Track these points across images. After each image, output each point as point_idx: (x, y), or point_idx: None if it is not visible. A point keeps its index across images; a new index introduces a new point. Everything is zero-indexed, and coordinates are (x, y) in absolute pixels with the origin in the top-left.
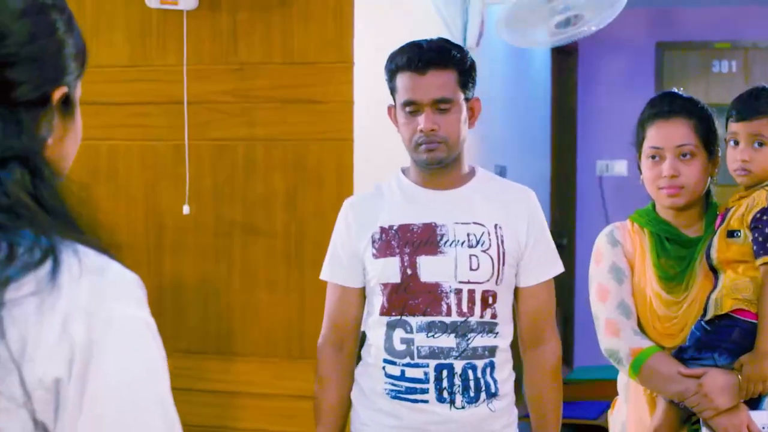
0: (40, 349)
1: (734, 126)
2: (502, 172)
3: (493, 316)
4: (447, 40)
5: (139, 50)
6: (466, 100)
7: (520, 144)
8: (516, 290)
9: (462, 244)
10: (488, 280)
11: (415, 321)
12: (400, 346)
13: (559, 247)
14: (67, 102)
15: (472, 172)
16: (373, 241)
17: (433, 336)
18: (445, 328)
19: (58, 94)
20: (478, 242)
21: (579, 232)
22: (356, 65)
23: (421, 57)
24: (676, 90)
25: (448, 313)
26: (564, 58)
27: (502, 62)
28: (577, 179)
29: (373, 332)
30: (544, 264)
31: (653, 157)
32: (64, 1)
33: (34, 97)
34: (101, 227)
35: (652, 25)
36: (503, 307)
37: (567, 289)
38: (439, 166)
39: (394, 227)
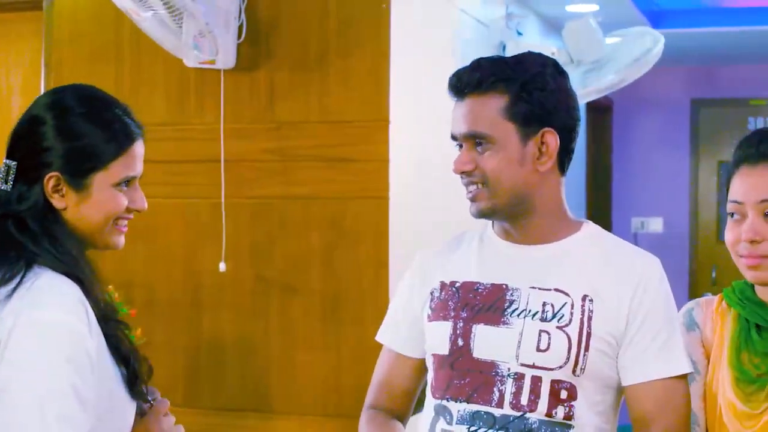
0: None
1: None
2: None
3: (568, 417)
4: (522, 56)
5: (176, 109)
6: (527, 133)
7: None
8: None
9: (533, 315)
10: (560, 367)
11: (456, 408)
12: None
13: None
14: (71, 182)
15: (575, 227)
16: (431, 299)
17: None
18: (491, 423)
19: (47, 179)
20: (554, 315)
21: None
22: (392, 124)
23: (460, 77)
24: None
25: (499, 404)
26: (599, 115)
27: None
28: None
29: (423, 418)
30: (656, 357)
31: (732, 214)
32: (59, 115)
33: (26, 180)
34: (79, 259)
35: (687, 83)
36: (590, 407)
37: None
38: (492, 217)
39: (457, 284)
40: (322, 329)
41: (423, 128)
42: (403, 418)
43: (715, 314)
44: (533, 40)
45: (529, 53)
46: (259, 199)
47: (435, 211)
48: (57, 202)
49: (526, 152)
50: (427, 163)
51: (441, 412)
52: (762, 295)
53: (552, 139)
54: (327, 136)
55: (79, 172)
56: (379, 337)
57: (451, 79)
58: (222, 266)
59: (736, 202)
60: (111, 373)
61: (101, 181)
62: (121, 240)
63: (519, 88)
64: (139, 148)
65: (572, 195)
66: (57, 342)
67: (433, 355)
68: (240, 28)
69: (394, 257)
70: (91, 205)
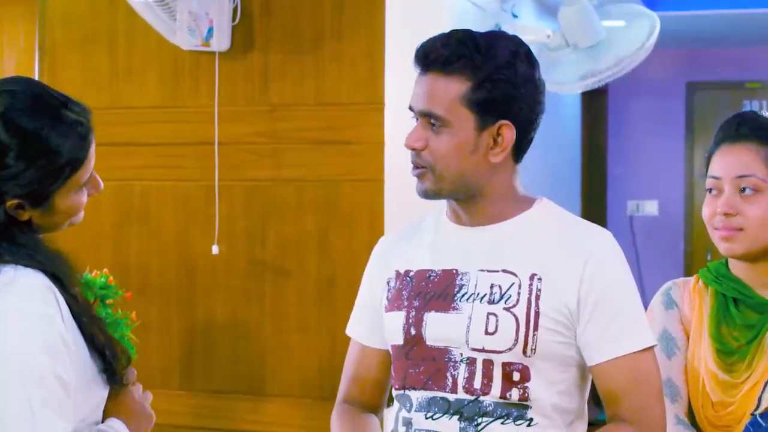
0: None
1: None
2: None
3: (524, 398)
4: (494, 39)
5: (171, 91)
6: (484, 122)
7: (550, 185)
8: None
9: (482, 298)
10: (510, 349)
11: (415, 396)
12: (401, 429)
13: None
14: (33, 206)
15: (527, 205)
16: (388, 289)
17: (432, 417)
18: (446, 408)
19: (9, 205)
20: (501, 297)
21: None
22: (387, 106)
23: (427, 52)
24: (757, 111)
25: (453, 389)
26: (594, 98)
27: None
28: (607, 219)
29: (392, 410)
30: (617, 334)
31: (710, 190)
32: (20, 141)
33: None
34: (54, 258)
35: (682, 65)
36: (547, 387)
37: None
38: (437, 198)
39: (411, 273)
40: (316, 312)
41: None
42: (377, 411)
43: (692, 293)
44: (529, 23)
45: (503, 36)
46: (253, 182)
47: None
48: (21, 216)
49: (479, 141)
50: None
51: (402, 401)
52: (736, 272)
53: (508, 133)
54: (321, 119)
55: (40, 198)
56: (348, 330)
57: (417, 50)
58: (215, 249)
59: (714, 177)
60: (86, 360)
61: (63, 194)
62: (81, 216)
63: (484, 77)
64: (93, 147)
65: (567, 179)
66: (32, 329)
67: (392, 346)
68: (234, 10)
69: None
70: (56, 213)
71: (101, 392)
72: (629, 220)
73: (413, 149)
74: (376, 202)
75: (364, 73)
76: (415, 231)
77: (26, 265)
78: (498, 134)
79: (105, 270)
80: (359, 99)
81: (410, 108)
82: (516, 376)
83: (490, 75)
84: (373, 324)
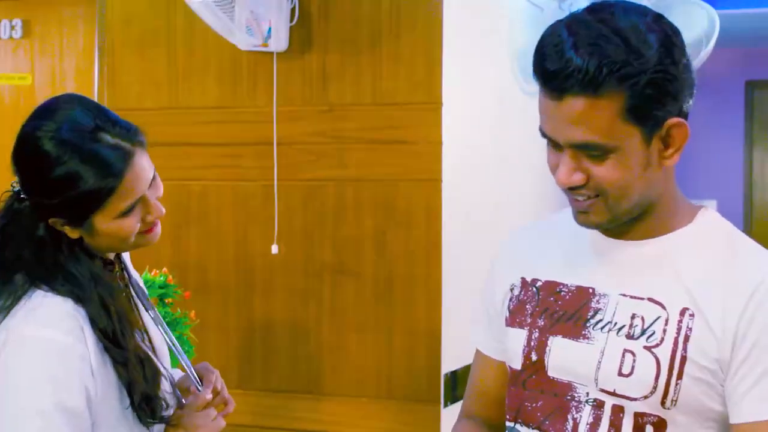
0: None
1: None
2: None
3: None
4: (626, 32)
5: (229, 92)
6: (651, 131)
7: None
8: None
9: (619, 330)
10: (646, 397)
11: None
12: None
13: None
14: (72, 225)
15: (688, 218)
16: (510, 298)
17: None
18: None
19: (52, 222)
20: (643, 332)
21: None
22: (445, 106)
23: (557, 71)
24: None
25: None
26: None
27: None
28: None
29: None
30: (767, 391)
31: None
32: (50, 159)
33: (38, 223)
34: (87, 287)
35: (742, 64)
36: None
37: None
38: (606, 227)
39: (538, 283)
40: (373, 312)
41: (476, 111)
42: (503, 429)
43: None
44: None
45: (631, 27)
46: (311, 182)
47: (489, 193)
48: (68, 234)
49: (650, 152)
50: (480, 145)
51: None
52: None
53: (680, 131)
54: (379, 119)
55: (77, 218)
56: (471, 335)
57: (545, 69)
58: (274, 249)
59: None
60: (113, 395)
61: (101, 218)
62: (154, 237)
63: (641, 83)
64: (137, 166)
65: None
66: (37, 358)
67: (510, 367)
68: (292, 11)
69: (447, 240)
70: (101, 236)
71: (137, 429)
72: None
73: (572, 187)
74: (434, 202)
75: (421, 73)
76: (549, 231)
77: (59, 293)
78: (668, 135)
79: (164, 269)
80: (417, 98)
81: (543, 135)
82: (649, 430)
83: (649, 78)
84: (492, 332)
